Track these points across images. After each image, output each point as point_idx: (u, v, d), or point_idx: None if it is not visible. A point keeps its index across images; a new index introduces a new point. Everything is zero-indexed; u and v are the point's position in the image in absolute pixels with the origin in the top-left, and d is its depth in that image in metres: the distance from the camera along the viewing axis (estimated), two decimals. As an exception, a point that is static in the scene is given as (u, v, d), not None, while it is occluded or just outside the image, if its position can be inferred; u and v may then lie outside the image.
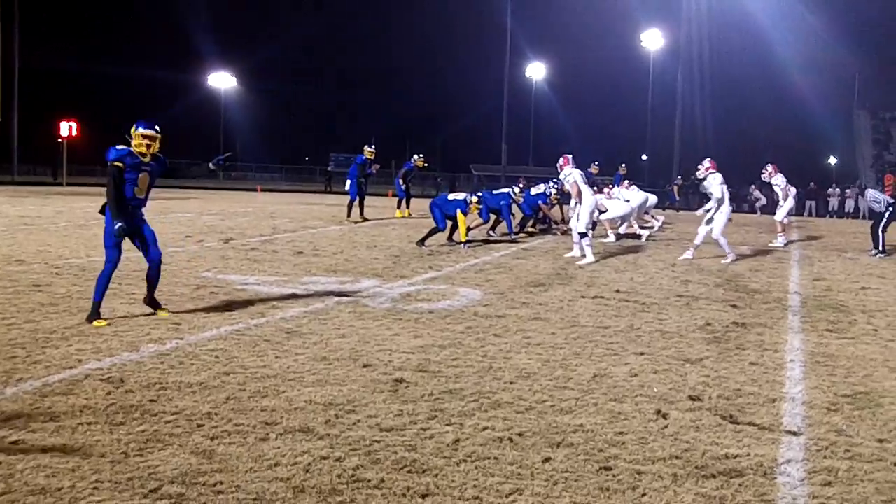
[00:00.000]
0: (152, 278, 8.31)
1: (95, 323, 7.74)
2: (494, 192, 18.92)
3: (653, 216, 23.72)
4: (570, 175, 15.14)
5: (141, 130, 7.97)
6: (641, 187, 24.67)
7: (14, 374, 5.94)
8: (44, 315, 8.09)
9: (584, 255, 14.50)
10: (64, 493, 3.91)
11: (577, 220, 14.83)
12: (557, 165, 15.65)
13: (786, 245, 19.35)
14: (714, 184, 15.08)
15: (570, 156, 15.70)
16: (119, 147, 7.94)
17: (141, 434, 4.77)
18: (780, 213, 20.01)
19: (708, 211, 15.26)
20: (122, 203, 7.88)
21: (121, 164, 7.86)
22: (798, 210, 36.11)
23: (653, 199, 22.86)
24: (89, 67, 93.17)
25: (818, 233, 25.78)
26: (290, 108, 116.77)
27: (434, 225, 16.23)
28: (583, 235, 14.77)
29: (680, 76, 57.12)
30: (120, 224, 7.71)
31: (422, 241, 15.97)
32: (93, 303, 7.96)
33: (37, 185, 46.21)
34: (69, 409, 5.17)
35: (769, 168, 20.14)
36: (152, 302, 8.37)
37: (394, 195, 29.33)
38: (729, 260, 15.02)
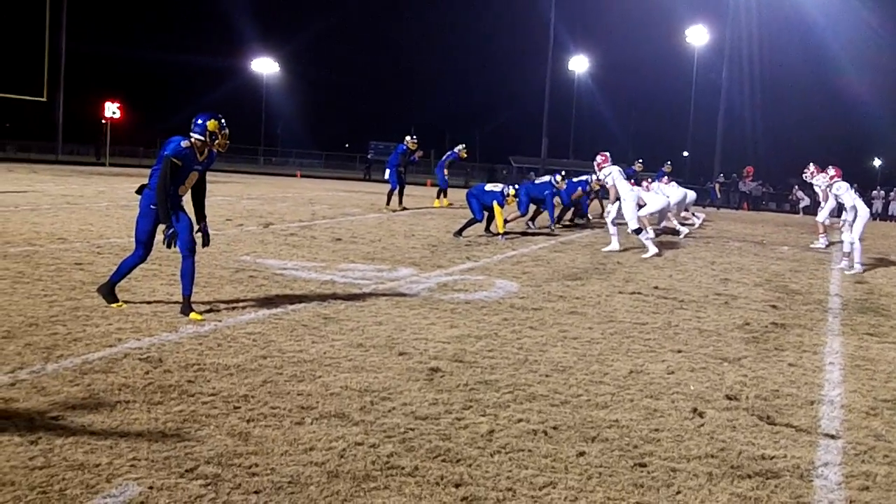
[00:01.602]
0: (186, 273, 7.83)
1: (114, 305, 7.61)
2: (537, 181, 18.89)
3: (693, 213, 23.56)
4: (610, 174, 15.09)
5: (220, 128, 7.58)
6: (681, 184, 24.52)
7: (55, 350, 6.01)
8: (85, 293, 8.19)
9: (645, 249, 14.66)
10: (101, 470, 3.95)
11: (625, 216, 14.84)
12: (595, 164, 15.59)
13: (827, 246, 19.07)
14: (843, 192, 14.80)
15: (607, 153, 15.68)
16: (184, 144, 7.44)
17: (178, 414, 4.82)
18: (822, 214, 19.64)
19: (845, 222, 14.82)
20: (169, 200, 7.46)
21: (179, 163, 7.38)
22: (839, 212, 35.61)
23: (692, 195, 22.70)
24: (134, 51, 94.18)
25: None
26: (331, 95, 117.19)
27: (472, 216, 16.23)
28: (638, 231, 14.79)
29: (725, 73, 56.58)
30: (173, 230, 7.33)
31: (459, 232, 15.97)
32: (110, 281, 7.78)
33: (80, 164, 46.82)
34: (108, 387, 5.23)
35: (811, 168, 19.75)
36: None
37: (433, 184, 29.33)
38: (855, 270, 14.07)
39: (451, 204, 25.10)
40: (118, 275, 7.76)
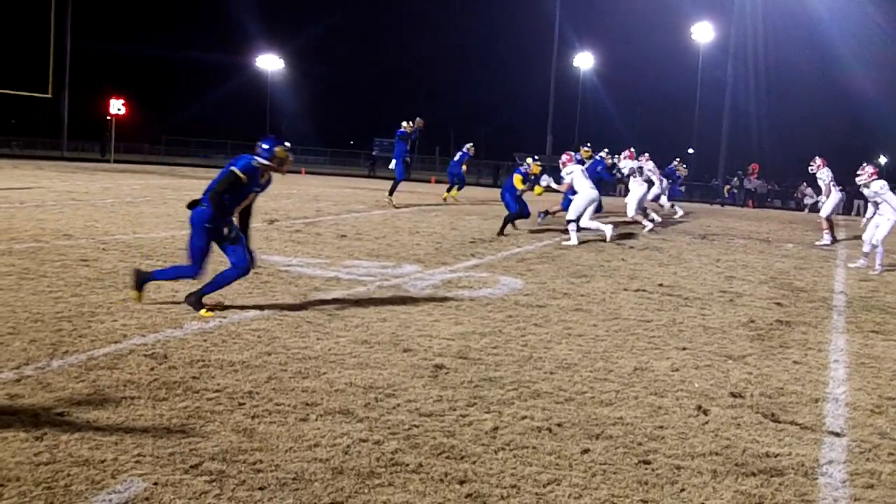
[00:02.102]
0: (223, 279, 7.56)
1: (203, 313, 7.31)
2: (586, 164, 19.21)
3: (670, 207, 23.98)
4: (572, 172, 16.17)
5: (288, 155, 7.54)
6: (679, 181, 24.55)
7: (60, 346, 6.02)
8: (90, 289, 8.20)
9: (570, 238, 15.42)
10: (107, 466, 3.96)
11: (570, 207, 15.98)
12: (560, 162, 16.80)
13: (832, 243, 19.01)
14: (885, 191, 14.72)
15: (573, 153, 17.32)
16: (254, 164, 7.36)
17: (183, 410, 4.83)
18: (825, 210, 19.47)
19: (868, 221, 14.81)
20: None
21: (244, 179, 7.29)
22: (846, 209, 35.55)
23: (654, 190, 22.49)
24: (139, 48, 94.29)
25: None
26: (336, 92, 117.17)
27: (507, 213, 16.71)
28: (570, 222, 15.67)
29: (730, 70, 56.49)
30: (236, 231, 7.36)
31: (501, 232, 16.31)
32: (199, 293, 7.44)
33: (85, 161, 46.84)
34: (113, 383, 5.24)
35: (818, 161, 19.62)
36: (196, 300, 7.47)
37: (438, 181, 29.46)
38: (877, 271, 13.88)
39: (457, 200, 25.42)
40: (209, 289, 7.48)
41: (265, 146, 7.47)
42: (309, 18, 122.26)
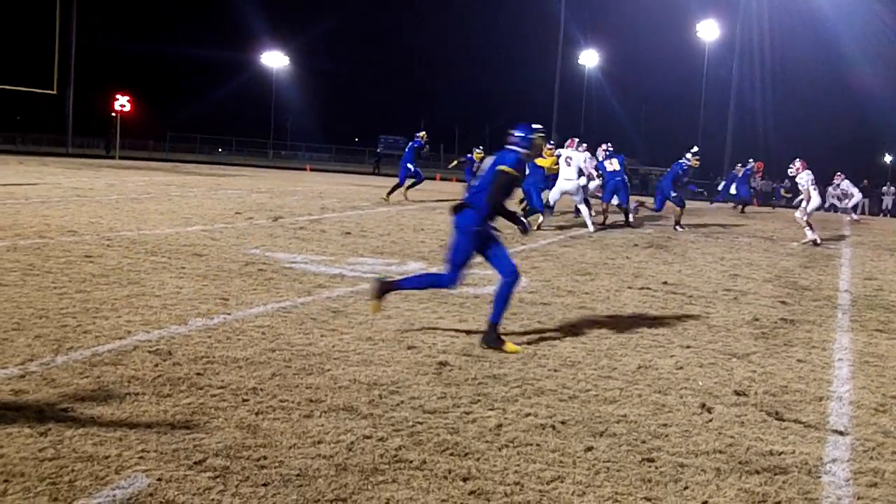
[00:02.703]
0: (502, 298, 6.82)
1: (508, 347, 6.67)
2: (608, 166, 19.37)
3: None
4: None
5: (544, 142, 7.05)
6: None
7: (65, 342, 6.03)
8: (94, 286, 8.21)
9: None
10: (111, 461, 3.97)
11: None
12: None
13: (818, 244, 18.08)
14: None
15: (553, 146, 18.76)
16: (522, 156, 6.83)
17: (187, 406, 4.83)
18: (802, 211, 18.52)
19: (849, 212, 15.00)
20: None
21: (518, 175, 6.75)
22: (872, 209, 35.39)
23: (594, 184, 21.84)
24: (144, 45, 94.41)
25: (871, 231, 25.37)
26: (341, 89, 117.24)
27: (531, 207, 17.27)
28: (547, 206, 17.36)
29: (735, 68, 56.41)
30: (525, 225, 6.96)
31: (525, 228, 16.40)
32: (491, 323, 6.78)
33: (90, 157, 46.92)
34: (118, 380, 5.25)
35: (797, 163, 18.69)
36: (493, 336, 6.74)
37: (442, 178, 29.62)
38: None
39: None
40: (496, 315, 6.77)
41: (520, 134, 6.90)
42: (314, 15, 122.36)
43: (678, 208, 19.88)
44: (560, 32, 58.15)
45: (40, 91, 43.52)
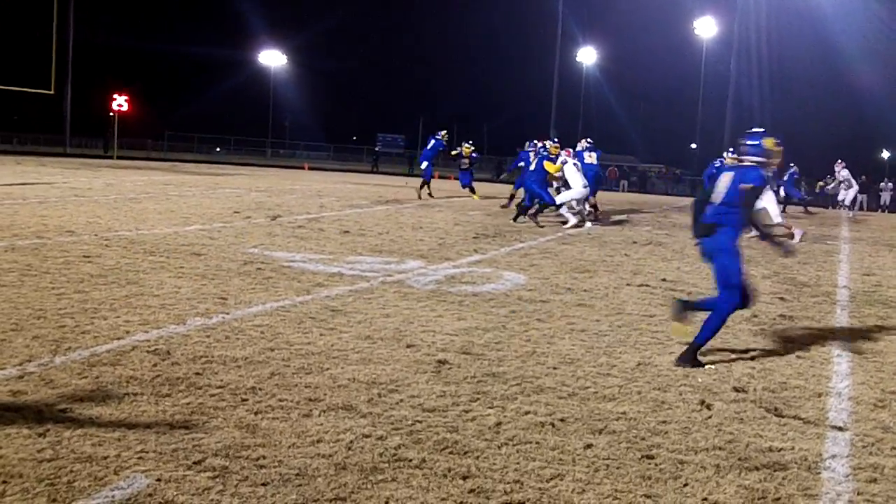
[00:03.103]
0: (709, 328, 6.60)
1: (706, 368, 6.48)
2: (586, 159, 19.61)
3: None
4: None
5: (777, 145, 6.70)
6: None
7: (63, 343, 6.03)
8: (93, 286, 8.20)
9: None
10: (109, 462, 3.96)
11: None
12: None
13: (800, 239, 17.92)
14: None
15: (570, 150, 19.21)
16: (763, 171, 6.57)
17: (186, 406, 4.83)
18: (776, 213, 18.25)
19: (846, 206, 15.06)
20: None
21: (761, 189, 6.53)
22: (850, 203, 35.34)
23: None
24: (142, 43, 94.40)
25: (869, 227, 25.37)
26: (339, 87, 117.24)
27: (542, 202, 17.45)
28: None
29: (733, 65, 56.43)
30: (788, 247, 6.88)
31: (538, 223, 17.09)
32: (694, 345, 6.57)
33: (88, 157, 46.89)
34: (116, 380, 5.24)
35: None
36: (692, 356, 6.55)
37: (441, 176, 29.80)
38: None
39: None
40: (703, 336, 6.59)
41: (753, 143, 6.66)
42: (312, 14, 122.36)
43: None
44: (558, 30, 58.13)
45: (38, 91, 43.50)
